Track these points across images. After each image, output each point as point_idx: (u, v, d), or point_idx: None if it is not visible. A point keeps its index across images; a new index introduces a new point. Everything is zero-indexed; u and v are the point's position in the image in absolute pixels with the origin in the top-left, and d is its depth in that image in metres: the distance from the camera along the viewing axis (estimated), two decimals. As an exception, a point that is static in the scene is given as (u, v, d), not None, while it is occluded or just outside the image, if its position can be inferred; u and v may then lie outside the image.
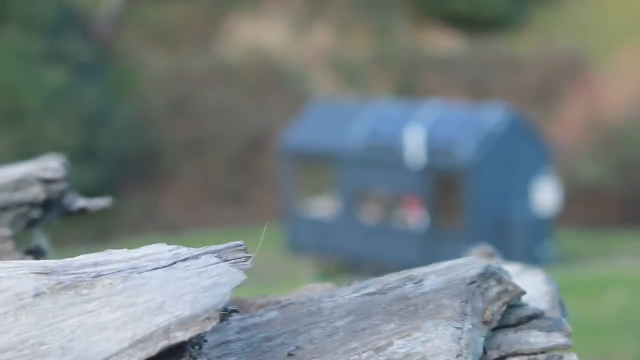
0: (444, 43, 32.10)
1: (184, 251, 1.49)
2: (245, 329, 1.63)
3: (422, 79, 30.82)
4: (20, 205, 2.14)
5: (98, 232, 26.70)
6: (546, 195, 19.19)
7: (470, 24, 32.43)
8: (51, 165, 2.18)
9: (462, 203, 19.01)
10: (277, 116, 30.64)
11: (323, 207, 21.47)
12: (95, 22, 33.83)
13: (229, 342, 1.60)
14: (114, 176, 28.88)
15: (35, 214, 2.16)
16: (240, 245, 1.52)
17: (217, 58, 32.33)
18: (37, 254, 2.22)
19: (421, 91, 30.04)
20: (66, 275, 1.42)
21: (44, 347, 1.32)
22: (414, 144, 19.43)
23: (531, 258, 16.94)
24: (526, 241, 18.64)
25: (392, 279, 1.70)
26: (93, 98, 29.95)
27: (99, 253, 1.51)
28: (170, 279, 1.42)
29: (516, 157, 19.29)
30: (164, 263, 1.46)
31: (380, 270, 16.75)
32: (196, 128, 30.99)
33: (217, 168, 30.51)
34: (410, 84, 30.59)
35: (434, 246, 19.15)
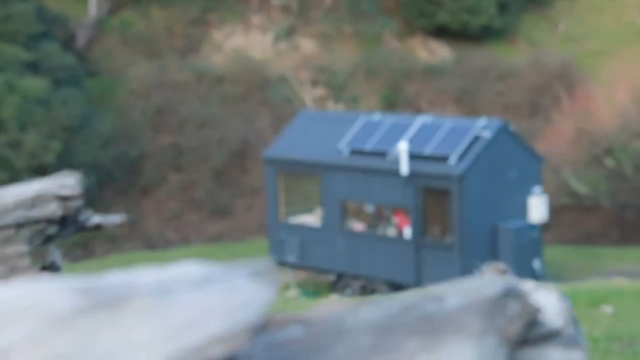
0: (432, 53, 32.18)
1: (214, 270, 1.51)
2: (270, 347, 1.66)
3: (409, 88, 30.88)
4: (37, 221, 2.16)
5: (80, 245, 26.60)
6: (536, 207, 19.25)
7: (458, 34, 32.51)
8: (67, 182, 2.20)
9: (451, 214, 19.04)
10: (262, 126, 30.62)
11: (309, 219, 21.47)
12: (76, 31, 33.74)
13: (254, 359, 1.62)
14: (94, 187, 28.77)
15: (52, 230, 2.18)
16: (269, 264, 1.55)
17: (200, 67, 32.31)
18: (52, 269, 2.24)
19: (408, 101, 30.09)
20: (100, 293, 1.44)
21: (80, 365, 1.34)
22: (402, 155, 19.46)
23: (520, 270, 16.97)
24: (515, 253, 18.68)
25: (414, 297, 1.73)
26: (73, 107, 29.84)
27: (131, 271, 1.53)
28: (202, 298, 1.44)
29: (505, 169, 19.34)
30: (194, 282, 1.48)
31: (367, 281, 16.79)
32: (179, 138, 30.93)
33: (200, 179, 30.44)
34: (397, 94, 30.65)
35: (422, 257, 19.18)
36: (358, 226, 20.70)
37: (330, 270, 20.93)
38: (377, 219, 20.46)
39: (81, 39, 33.70)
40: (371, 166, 20.28)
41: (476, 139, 19.42)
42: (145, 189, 31.51)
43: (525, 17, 33.59)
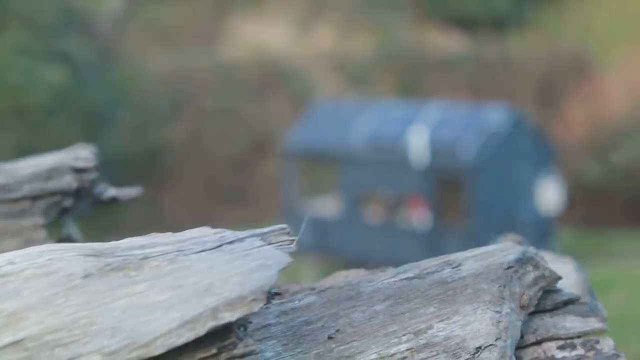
0: (447, 43, 32.13)
1: (229, 234, 1.51)
2: (284, 313, 1.65)
3: (425, 78, 30.86)
4: (52, 193, 2.16)
5: (100, 232, 26.64)
6: (549, 195, 19.23)
7: (473, 23, 32.48)
8: (82, 154, 2.20)
9: (465, 203, 19.03)
10: (280, 116, 30.69)
11: (326, 207, 21.48)
12: (97, 21, 33.85)
13: (269, 325, 1.62)
14: (116, 176, 28.82)
15: (67, 202, 2.18)
16: (284, 229, 1.55)
17: (219, 58, 32.35)
18: (68, 242, 2.24)
19: (424, 91, 30.06)
20: (113, 257, 1.43)
21: (94, 327, 1.34)
22: (417, 143, 19.45)
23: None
24: (529, 240, 18.62)
25: (429, 263, 1.72)
26: (95, 97, 29.97)
27: (143, 236, 1.53)
28: (217, 261, 1.43)
29: (519, 157, 19.32)
30: (209, 245, 1.48)
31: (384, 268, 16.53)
32: (199, 128, 31.02)
33: (220, 168, 30.53)
34: (413, 84, 30.63)
35: (437, 246, 19.16)
36: (375, 216, 20.71)
37: (348, 261, 20.94)
38: (394, 208, 20.47)
39: (103, 30, 33.83)
40: (387, 155, 20.29)
41: (490, 128, 19.41)
42: (167, 177, 31.67)
43: (540, 7, 33.51)
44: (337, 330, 1.58)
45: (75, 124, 28.87)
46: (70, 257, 1.42)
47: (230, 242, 1.48)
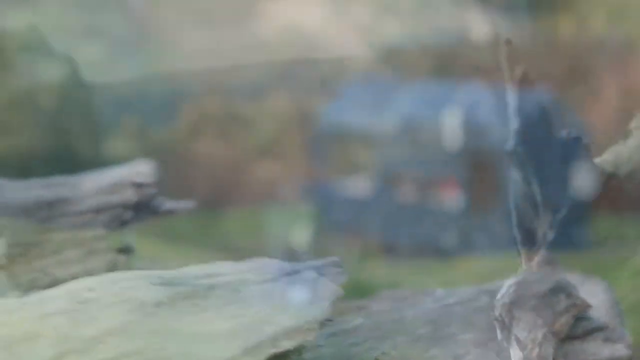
0: (483, 24, 32.14)
1: (286, 266, 1.64)
2: (333, 334, 1.78)
3: (460, 60, 30.87)
4: (114, 207, 2.30)
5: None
6: (582, 179, 19.28)
7: (509, 5, 32.41)
8: (143, 170, 2.35)
9: (497, 186, 19.11)
10: (313, 97, 30.81)
11: (357, 187, 21.61)
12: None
13: (319, 346, 1.75)
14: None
15: (127, 215, 2.32)
16: (336, 262, 1.68)
17: (253, 36, 32.51)
18: (126, 252, 2.39)
19: (459, 73, 30.10)
20: (182, 286, 1.57)
21: (164, 352, 1.47)
22: (451, 125, 19.52)
23: (567, 242, 16.97)
24: (562, 225, 18.68)
25: (469, 291, 1.84)
26: (128, 74, 30.20)
27: (207, 265, 1.66)
28: (275, 292, 1.57)
29: (553, 141, 19.35)
30: (268, 277, 1.61)
31: (416, 251, 16.76)
32: (230, 108, 31.23)
33: (250, 150, 30.70)
34: (449, 66, 30.67)
35: (469, 228, 19.26)
36: (406, 197, 20.80)
37: (378, 239, 21.05)
38: (426, 189, 20.54)
39: (134, 7, 34.02)
40: (420, 136, 20.33)
41: (524, 111, 19.46)
42: (196, 156, 31.89)
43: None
44: (383, 353, 1.71)
45: (107, 100, 29.14)
46: (143, 285, 1.56)
47: (287, 274, 1.62)
